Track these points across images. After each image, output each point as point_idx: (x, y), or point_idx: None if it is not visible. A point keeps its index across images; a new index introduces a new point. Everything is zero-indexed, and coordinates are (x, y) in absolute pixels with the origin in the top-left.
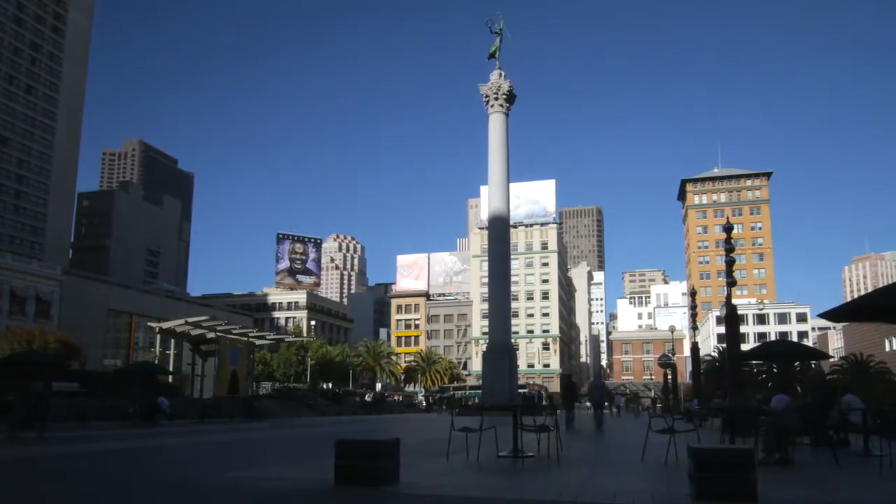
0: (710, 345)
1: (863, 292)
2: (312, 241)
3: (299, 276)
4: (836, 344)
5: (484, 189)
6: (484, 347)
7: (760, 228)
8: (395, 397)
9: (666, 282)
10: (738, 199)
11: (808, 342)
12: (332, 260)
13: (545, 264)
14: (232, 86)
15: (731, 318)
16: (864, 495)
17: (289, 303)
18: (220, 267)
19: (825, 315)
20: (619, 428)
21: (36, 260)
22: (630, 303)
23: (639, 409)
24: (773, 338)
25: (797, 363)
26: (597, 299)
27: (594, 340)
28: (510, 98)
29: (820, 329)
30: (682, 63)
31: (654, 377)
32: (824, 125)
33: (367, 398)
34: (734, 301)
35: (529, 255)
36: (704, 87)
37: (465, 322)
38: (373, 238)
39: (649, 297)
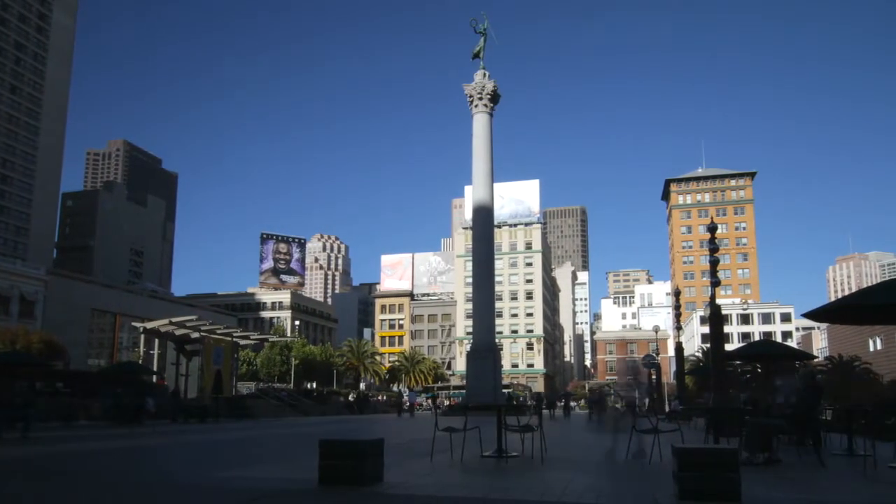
0: (694, 345)
1: (847, 292)
2: (296, 241)
3: (283, 276)
4: (820, 344)
5: (468, 189)
6: (468, 347)
7: (745, 228)
8: (380, 397)
9: (650, 282)
10: (722, 199)
11: (792, 342)
12: (317, 260)
13: (529, 264)
14: (216, 86)
15: (716, 318)
16: (849, 495)
17: (273, 303)
18: (204, 267)
19: (809, 315)
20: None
21: (20, 260)
22: (614, 303)
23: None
24: (757, 338)
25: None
26: (581, 299)
27: (578, 340)
28: (494, 98)
29: (804, 329)
30: (666, 63)
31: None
32: (808, 125)
33: (351, 398)
34: (718, 301)
35: (513, 256)
36: (688, 86)
37: (449, 322)
38: (357, 238)
39: (633, 297)
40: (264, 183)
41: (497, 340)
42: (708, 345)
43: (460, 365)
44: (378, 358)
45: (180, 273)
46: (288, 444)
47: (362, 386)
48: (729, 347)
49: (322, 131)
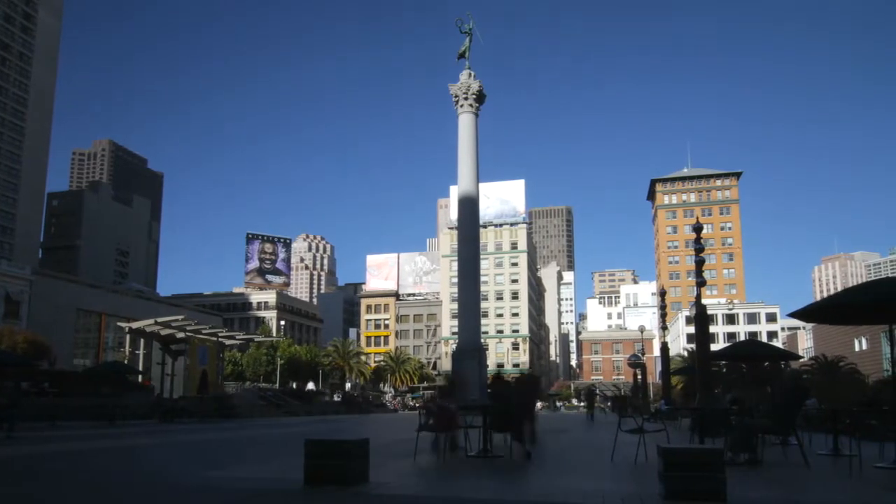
0: (679, 345)
1: (832, 292)
2: (282, 241)
3: (269, 276)
4: (806, 344)
5: (453, 189)
6: (453, 347)
7: (730, 228)
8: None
9: (635, 282)
10: (707, 199)
11: (778, 342)
12: (302, 260)
13: (515, 264)
14: (202, 86)
15: (701, 318)
16: (834, 495)
17: (258, 302)
18: (189, 267)
19: (795, 315)
20: (589, 428)
21: (5, 260)
22: (600, 303)
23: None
24: (742, 338)
25: (766, 363)
26: (566, 299)
27: (564, 340)
28: (480, 98)
29: (789, 329)
30: (651, 63)
31: (623, 377)
32: (794, 125)
33: (336, 398)
34: (704, 301)
35: (499, 255)
36: (674, 87)
37: (434, 322)
38: (343, 238)
39: (619, 297)
40: (250, 183)
41: (483, 340)
42: (693, 345)
43: (446, 365)
44: (363, 358)
45: (166, 273)
46: (273, 444)
47: (348, 386)
48: (714, 347)
49: (308, 131)
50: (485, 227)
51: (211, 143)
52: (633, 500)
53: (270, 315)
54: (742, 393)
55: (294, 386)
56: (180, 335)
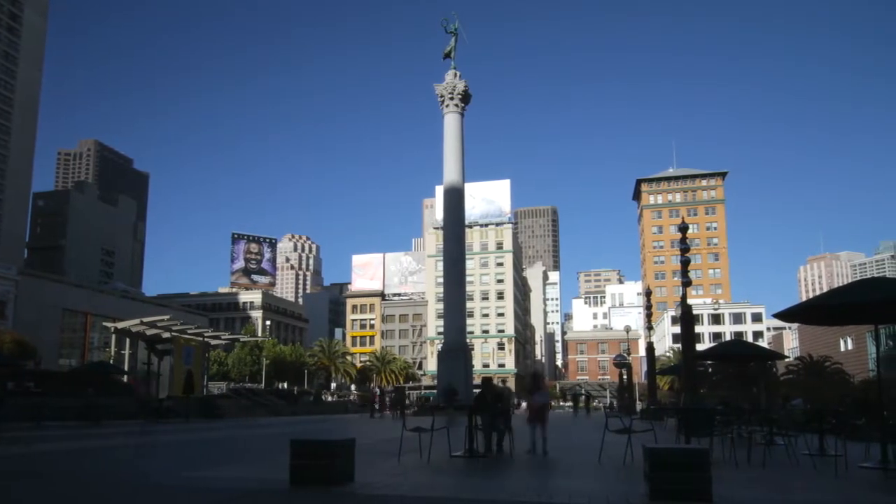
0: (665, 345)
1: (818, 292)
2: (267, 241)
3: (254, 276)
4: (791, 344)
5: (439, 189)
6: (439, 347)
7: (716, 228)
8: (351, 397)
9: (621, 282)
10: (693, 199)
11: (763, 342)
12: (288, 260)
13: (500, 264)
14: (187, 86)
15: (687, 318)
16: (820, 495)
17: (244, 303)
18: (175, 267)
19: (780, 315)
20: (577, 428)
21: None
22: (585, 303)
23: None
24: (728, 338)
25: (752, 363)
26: (552, 299)
27: (549, 340)
28: (465, 98)
29: (775, 329)
30: (637, 63)
31: (609, 377)
32: (780, 125)
33: (324, 398)
34: (689, 301)
35: (484, 255)
36: (659, 86)
37: (420, 322)
38: (328, 238)
39: (604, 297)
40: (235, 183)
41: (468, 340)
42: (679, 345)
43: (431, 365)
44: (349, 358)
45: (151, 273)
46: (259, 444)
47: (333, 386)
48: (700, 347)
49: (293, 132)
50: (470, 227)
51: (197, 143)
52: (619, 500)
53: (256, 315)
54: (729, 393)
55: (280, 386)
56: (166, 335)
